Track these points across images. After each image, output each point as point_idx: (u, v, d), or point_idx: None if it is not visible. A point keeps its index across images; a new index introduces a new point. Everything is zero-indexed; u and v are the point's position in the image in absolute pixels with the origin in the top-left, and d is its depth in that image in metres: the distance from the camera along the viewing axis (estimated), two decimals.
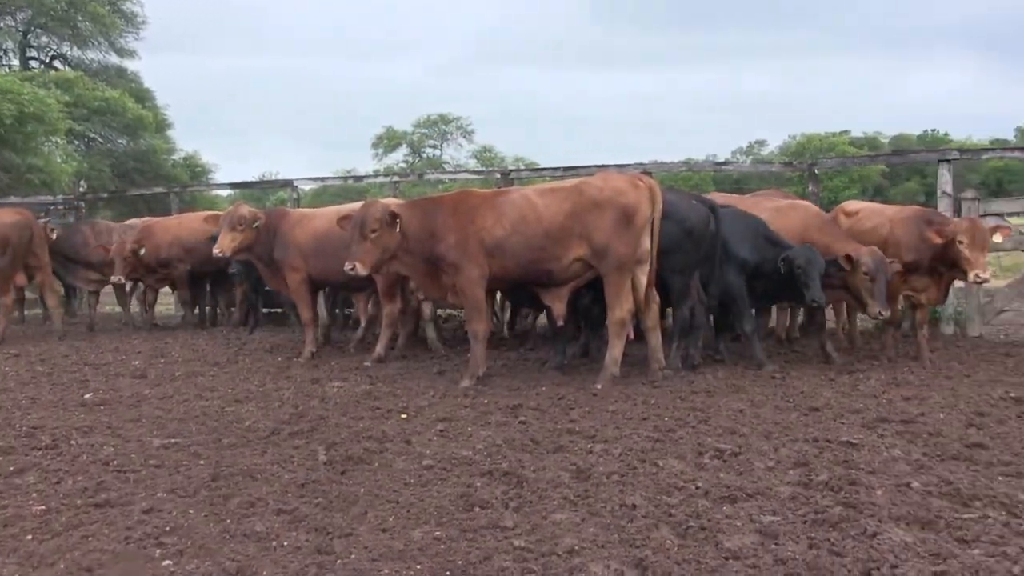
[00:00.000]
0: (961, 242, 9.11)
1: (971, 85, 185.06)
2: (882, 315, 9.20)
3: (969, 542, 4.36)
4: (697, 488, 5.27)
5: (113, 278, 13.55)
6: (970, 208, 11.72)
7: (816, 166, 14.22)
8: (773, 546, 4.34)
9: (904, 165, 57.47)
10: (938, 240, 9.22)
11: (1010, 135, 77.18)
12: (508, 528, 4.70)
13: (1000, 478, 5.42)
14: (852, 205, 11.48)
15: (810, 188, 13.77)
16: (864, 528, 4.51)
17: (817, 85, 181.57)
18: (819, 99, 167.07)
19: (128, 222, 15.96)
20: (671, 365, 9.14)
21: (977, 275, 9.05)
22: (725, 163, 18.59)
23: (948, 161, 12.50)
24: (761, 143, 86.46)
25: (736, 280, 9.51)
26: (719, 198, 11.09)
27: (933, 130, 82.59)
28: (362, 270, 8.77)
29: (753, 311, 9.92)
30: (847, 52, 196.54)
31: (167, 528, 4.82)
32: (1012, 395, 7.77)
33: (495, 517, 4.86)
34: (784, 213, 10.10)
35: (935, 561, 4.10)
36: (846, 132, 73.43)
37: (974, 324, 11.88)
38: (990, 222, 10.27)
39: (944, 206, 12.11)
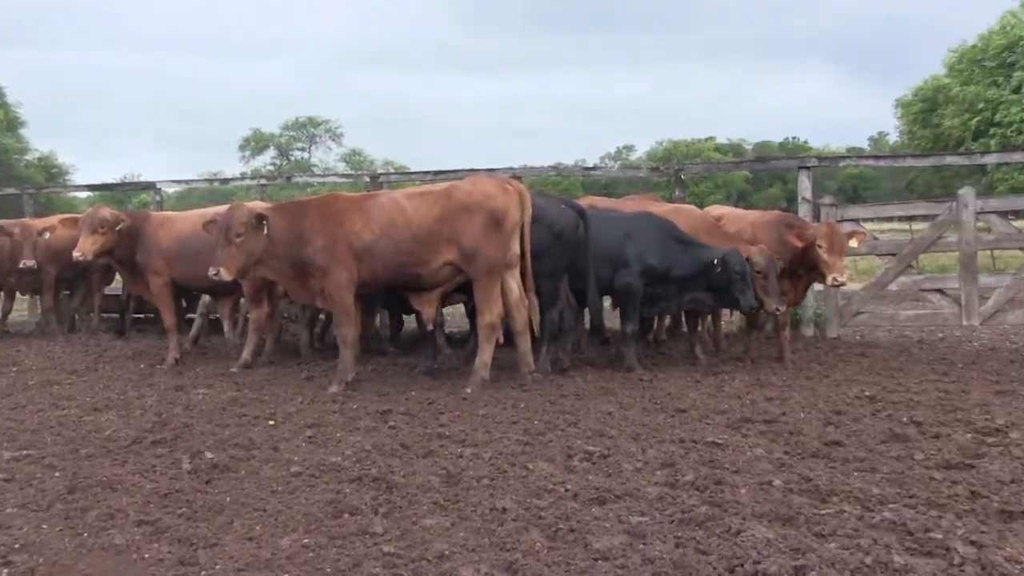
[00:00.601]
0: (820, 246, 9.45)
1: (829, 95, 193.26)
2: (778, 311, 9.50)
3: (826, 536, 4.51)
4: (567, 491, 5.30)
5: (26, 263, 12.74)
6: (828, 213, 12.16)
7: (682, 171, 14.51)
8: (641, 546, 4.40)
9: (767, 171, 59.48)
10: (798, 244, 9.55)
11: (864, 143, 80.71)
12: (378, 534, 4.64)
13: (855, 474, 5.62)
14: (716, 210, 11.79)
15: (676, 193, 14.05)
16: (729, 526, 4.61)
17: (684, 92, 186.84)
18: (686, 106, 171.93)
19: None
20: (541, 369, 9.19)
21: (835, 278, 9.42)
22: (594, 168, 18.78)
23: (808, 168, 12.94)
24: (629, 148, 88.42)
25: (636, 283, 9.57)
26: (603, 203, 11.24)
27: (794, 138, 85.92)
28: (227, 275, 8.56)
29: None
30: (712, 60, 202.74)
31: (16, 545, 4.59)
32: (867, 394, 8.09)
33: (364, 523, 4.79)
34: (671, 217, 10.28)
35: (795, 556, 4.23)
36: (712, 138, 75.65)
37: (832, 326, 12.33)
38: (847, 227, 10.70)
39: (804, 211, 12.54)
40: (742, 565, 4.14)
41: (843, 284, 9.69)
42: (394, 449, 6.34)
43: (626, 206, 11.07)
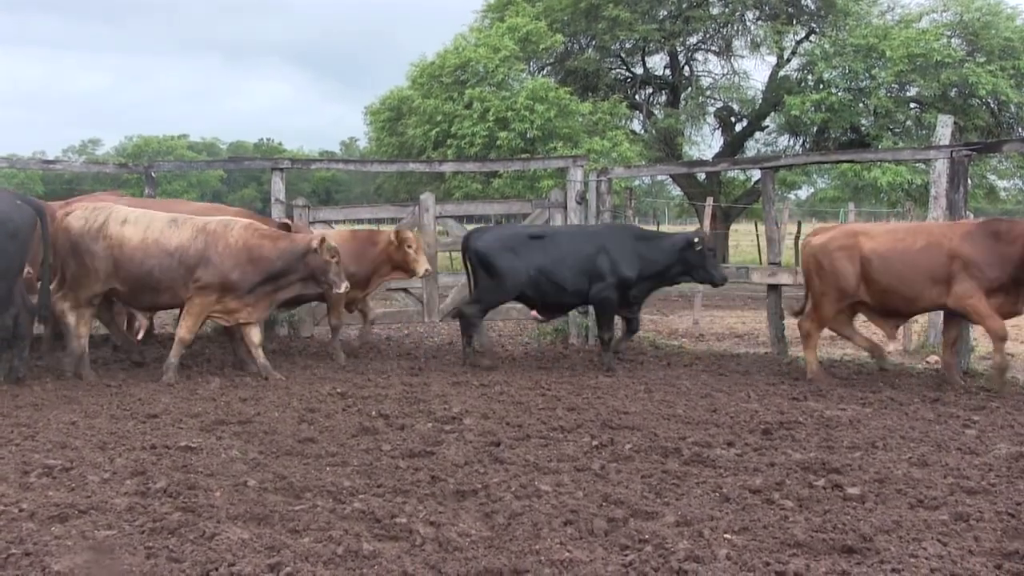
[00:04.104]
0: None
1: (305, 100, 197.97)
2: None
3: (300, 531, 4.61)
4: (22, 510, 4.85)
5: None
6: (301, 215, 12.38)
7: (153, 169, 14.00)
8: (108, 561, 4.18)
9: (241, 171, 59.36)
10: None
11: (337, 148, 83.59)
12: None
13: (328, 468, 5.80)
14: None
15: (147, 191, 13.51)
16: (203, 531, 4.53)
17: (152, 87, 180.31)
18: (155, 101, 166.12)
19: None
20: None
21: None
22: (55, 161, 17.45)
23: (281, 170, 13.06)
24: (96, 142, 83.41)
25: (612, 294, 9.91)
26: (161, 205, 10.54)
27: (269, 139, 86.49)
28: None
29: None
30: (179, 56, 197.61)
31: None
32: (339, 390, 8.38)
33: None
34: None
35: (270, 554, 4.27)
36: (185, 136, 73.75)
37: (306, 325, 12.56)
38: (319, 229, 11.01)
39: (277, 212, 12.63)
40: (217, 568, 4.10)
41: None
42: None
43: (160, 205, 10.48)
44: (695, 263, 9.78)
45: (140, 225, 8.80)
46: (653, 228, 16.55)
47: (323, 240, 8.96)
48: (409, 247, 10.26)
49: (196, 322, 8.98)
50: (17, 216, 8.42)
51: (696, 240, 9.77)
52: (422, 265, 10.33)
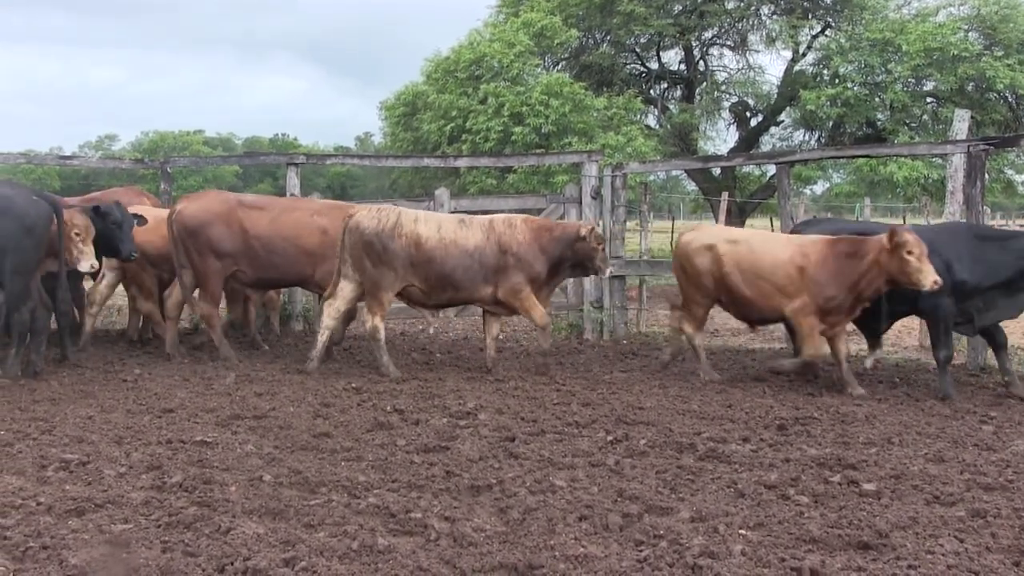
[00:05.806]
0: None
1: (317, 94, 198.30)
2: None
3: (315, 526, 4.63)
4: (39, 504, 4.89)
5: None
6: None
7: (169, 164, 14.05)
8: (124, 555, 4.20)
9: (256, 166, 59.59)
10: None
11: (352, 143, 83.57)
12: None
13: (343, 463, 5.82)
14: None
15: (163, 186, 13.57)
16: (218, 525, 4.56)
17: (170, 82, 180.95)
18: (173, 96, 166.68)
19: None
20: (9, 373, 8.39)
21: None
22: (71, 157, 17.55)
23: (296, 165, 13.10)
24: (112, 138, 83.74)
25: (946, 303, 8.12)
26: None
27: (284, 134, 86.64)
28: None
29: None
30: (197, 50, 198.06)
31: None
32: (354, 385, 8.38)
33: None
34: None
35: (285, 548, 4.29)
36: (200, 131, 74.04)
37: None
38: None
39: None
40: (232, 563, 4.12)
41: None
42: None
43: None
44: None
45: (432, 224, 9.00)
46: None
47: (592, 228, 9.23)
48: (909, 252, 7.75)
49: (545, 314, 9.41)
50: (33, 211, 8.46)
51: None
52: (929, 276, 7.68)
